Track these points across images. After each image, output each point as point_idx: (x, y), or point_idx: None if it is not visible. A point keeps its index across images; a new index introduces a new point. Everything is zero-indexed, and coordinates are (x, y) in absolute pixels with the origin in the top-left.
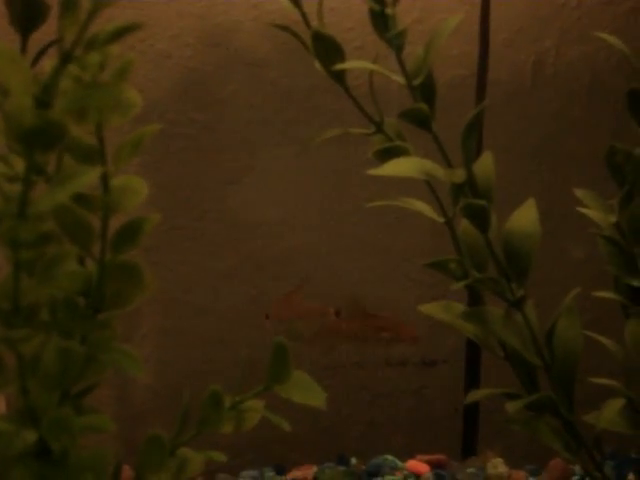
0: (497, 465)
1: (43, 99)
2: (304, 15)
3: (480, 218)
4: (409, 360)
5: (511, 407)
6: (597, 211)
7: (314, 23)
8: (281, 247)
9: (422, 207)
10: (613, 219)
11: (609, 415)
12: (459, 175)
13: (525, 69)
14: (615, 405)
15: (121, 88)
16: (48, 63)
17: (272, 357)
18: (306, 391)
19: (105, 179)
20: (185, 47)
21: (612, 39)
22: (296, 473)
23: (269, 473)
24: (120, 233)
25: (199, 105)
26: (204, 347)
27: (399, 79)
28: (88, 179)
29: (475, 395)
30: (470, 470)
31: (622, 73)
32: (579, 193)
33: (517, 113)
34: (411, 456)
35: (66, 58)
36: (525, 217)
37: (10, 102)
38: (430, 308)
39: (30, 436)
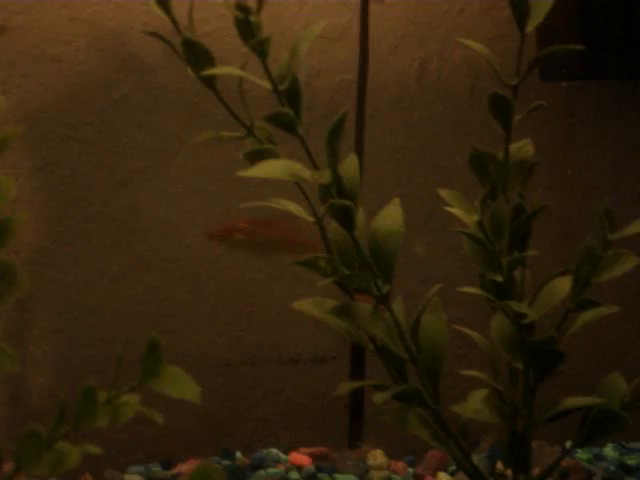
0: (377, 456)
1: None
2: (175, 22)
3: (345, 217)
4: (300, 357)
5: (378, 398)
6: (461, 210)
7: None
8: (171, 248)
9: (293, 208)
10: (476, 218)
11: (474, 405)
12: (325, 176)
13: (409, 74)
14: (479, 395)
15: None
16: None
17: (145, 352)
18: (180, 385)
19: None
20: (76, 52)
21: (478, 45)
22: (181, 467)
23: (155, 468)
24: None
25: (91, 109)
26: (97, 346)
27: (266, 84)
28: None
29: (346, 386)
30: (351, 462)
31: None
32: (444, 193)
33: (401, 118)
34: (296, 450)
35: None
36: (390, 216)
37: None
38: (302, 305)
39: None
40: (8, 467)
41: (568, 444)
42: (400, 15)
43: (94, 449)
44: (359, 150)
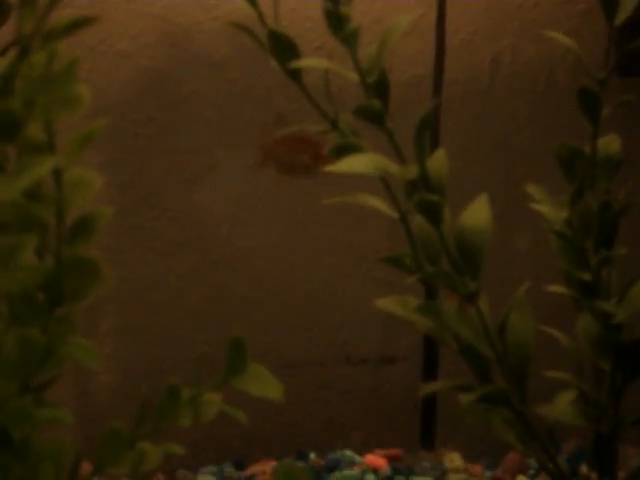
0: (454, 459)
1: (3, 88)
2: (260, 14)
3: (433, 213)
4: (369, 357)
5: (464, 399)
6: (549, 207)
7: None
8: (240, 246)
9: (377, 203)
10: (564, 215)
11: (561, 407)
12: (412, 171)
13: (482, 69)
14: (567, 397)
15: (70, 83)
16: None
17: (229, 350)
18: (263, 384)
19: (58, 174)
20: (145, 47)
21: (564, 39)
22: (255, 468)
23: (228, 469)
24: (74, 227)
25: (159, 105)
26: (164, 345)
27: (354, 77)
28: (39, 171)
29: (430, 387)
30: (427, 464)
31: (577, 72)
32: (531, 189)
33: (474, 113)
34: (370, 451)
35: (25, 49)
36: (477, 213)
37: None
38: (386, 303)
39: None
40: (85, 467)
41: None
42: (472, 10)
43: (176, 449)
44: (434, 146)
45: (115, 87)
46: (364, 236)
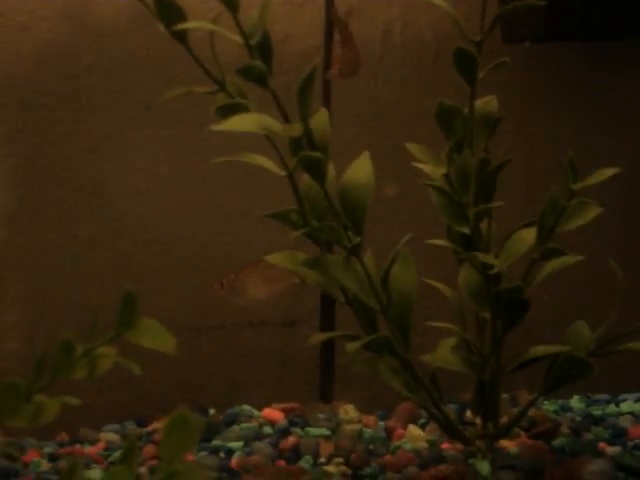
0: (348, 411)
1: None
2: None
3: (316, 170)
4: (270, 321)
5: (350, 347)
6: (429, 164)
7: None
8: (140, 214)
9: (264, 162)
10: (443, 170)
11: (444, 354)
12: (296, 129)
13: (374, 38)
14: (448, 344)
15: None
16: None
17: (122, 304)
18: (156, 337)
19: None
20: (43, 20)
21: (442, 4)
22: (156, 425)
23: (130, 426)
24: None
25: (58, 76)
26: (69, 313)
27: (237, 38)
28: None
29: (319, 337)
30: (322, 416)
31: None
32: (411, 147)
33: (367, 80)
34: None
35: None
36: (360, 169)
37: None
38: (276, 257)
39: None
40: None
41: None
42: None
43: (72, 400)
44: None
45: (14, 60)
46: (264, 201)
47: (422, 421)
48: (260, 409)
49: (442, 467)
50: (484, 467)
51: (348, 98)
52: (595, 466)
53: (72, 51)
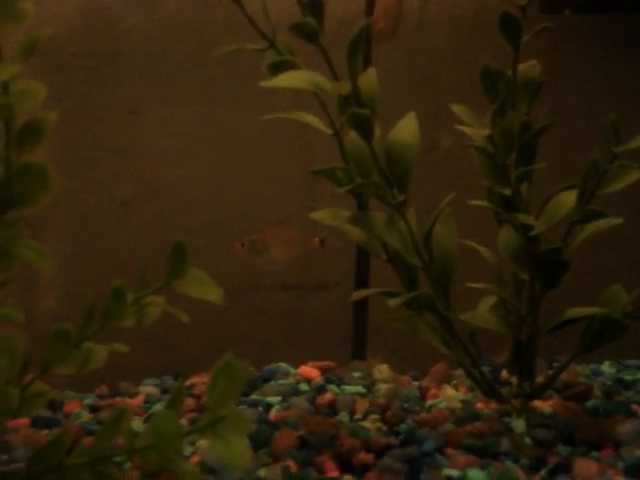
0: (383, 370)
1: None
2: None
3: (364, 127)
4: (304, 284)
5: (392, 303)
6: (472, 126)
7: None
8: (178, 175)
9: (311, 120)
10: (486, 132)
11: (482, 313)
12: (345, 87)
13: (412, 6)
14: (487, 303)
15: None
16: None
17: (170, 255)
18: (203, 287)
19: (4, 83)
20: None
21: None
22: (194, 380)
23: (169, 381)
24: (21, 133)
25: (100, 38)
26: (105, 271)
27: None
28: None
29: (360, 293)
30: (357, 374)
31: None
32: (455, 109)
33: (404, 47)
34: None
35: None
36: (406, 129)
37: None
38: (319, 215)
39: None
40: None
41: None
42: None
43: (121, 347)
44: None
45: (58, 21)
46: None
47: (455, 382)
48: (296, 367)
49: (478, 424)
50: (519, 425)
51: (387, 65)
52: (629, 425)
53: (115, 13)
